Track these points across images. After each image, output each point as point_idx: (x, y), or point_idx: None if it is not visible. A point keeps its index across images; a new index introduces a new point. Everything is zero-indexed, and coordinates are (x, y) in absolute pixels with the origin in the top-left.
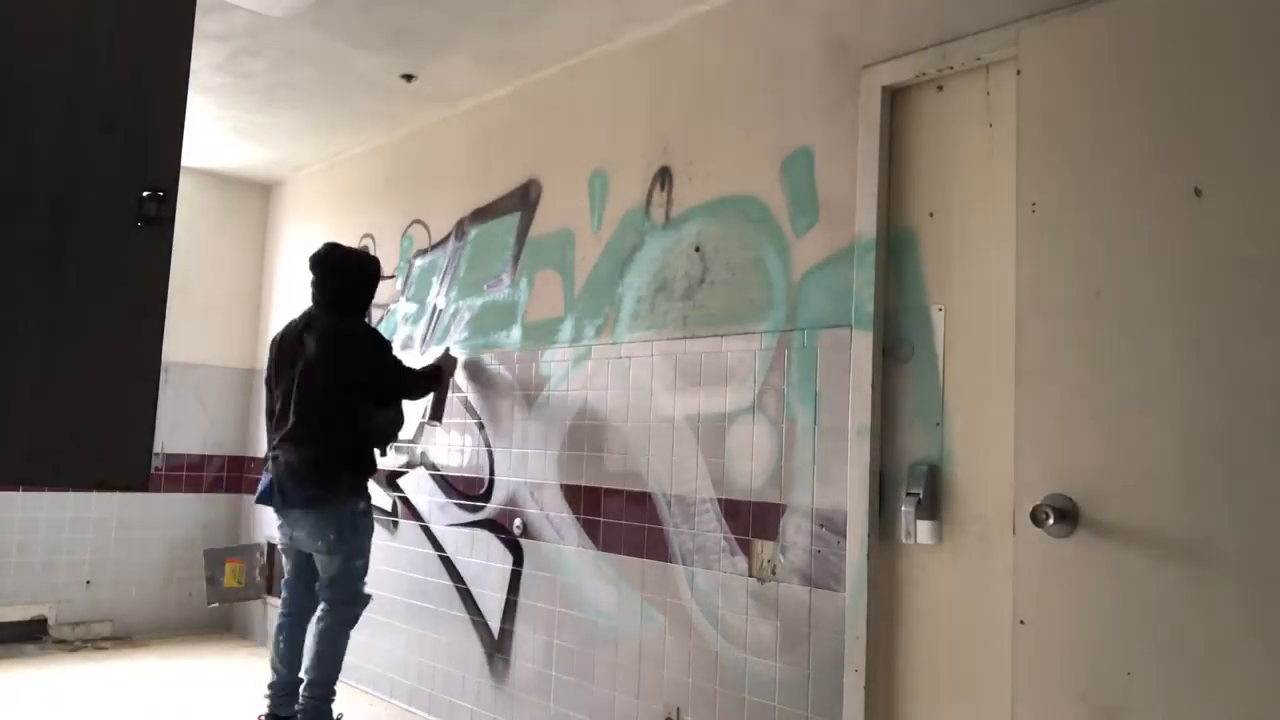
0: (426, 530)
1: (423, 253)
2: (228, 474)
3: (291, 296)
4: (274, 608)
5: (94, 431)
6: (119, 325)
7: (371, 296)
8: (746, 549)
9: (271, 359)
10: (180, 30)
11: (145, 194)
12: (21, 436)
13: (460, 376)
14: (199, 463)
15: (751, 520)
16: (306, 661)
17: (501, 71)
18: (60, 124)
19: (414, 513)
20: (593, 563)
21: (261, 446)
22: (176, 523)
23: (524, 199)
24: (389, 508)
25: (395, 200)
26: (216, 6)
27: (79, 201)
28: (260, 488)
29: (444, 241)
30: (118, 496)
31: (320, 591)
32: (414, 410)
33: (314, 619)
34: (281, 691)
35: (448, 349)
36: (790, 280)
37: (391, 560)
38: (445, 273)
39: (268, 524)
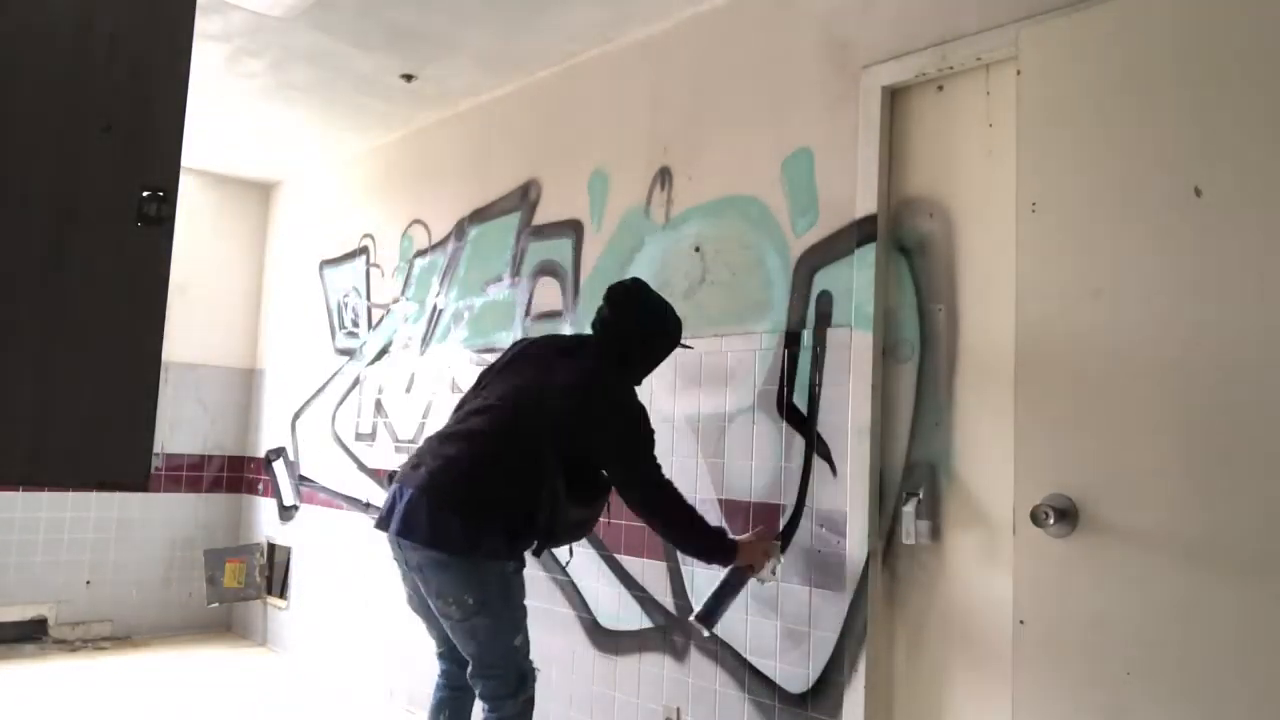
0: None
1: (423, 253)
2: (228, 474)
3: (292, 296)
4: (274, 608)
5: (94, 431)
6: (119, 325)
7: (657, 360)
8: None
9: (506, 355)
10: (180, 30)
11: (145, 194)
12: (21, 436)
13: None
14: (199, 463)
15: (751, 520)
16: None
17: (501, 71)
18: (60, 124)
19: None
20: (593, 563)
21: (262, 446)
22: (176, 523)
23: (524, 199)
24: None
25: (395, 200)
26: (216, 6)
27: (79, 201)
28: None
29: (444, 241)
30: (118, 496)
31: (473, 684)
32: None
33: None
34: None
35: (776, 532)
36: (790, 280)
37: (392, 561)
38: (445, 273)
39: (268, 524)
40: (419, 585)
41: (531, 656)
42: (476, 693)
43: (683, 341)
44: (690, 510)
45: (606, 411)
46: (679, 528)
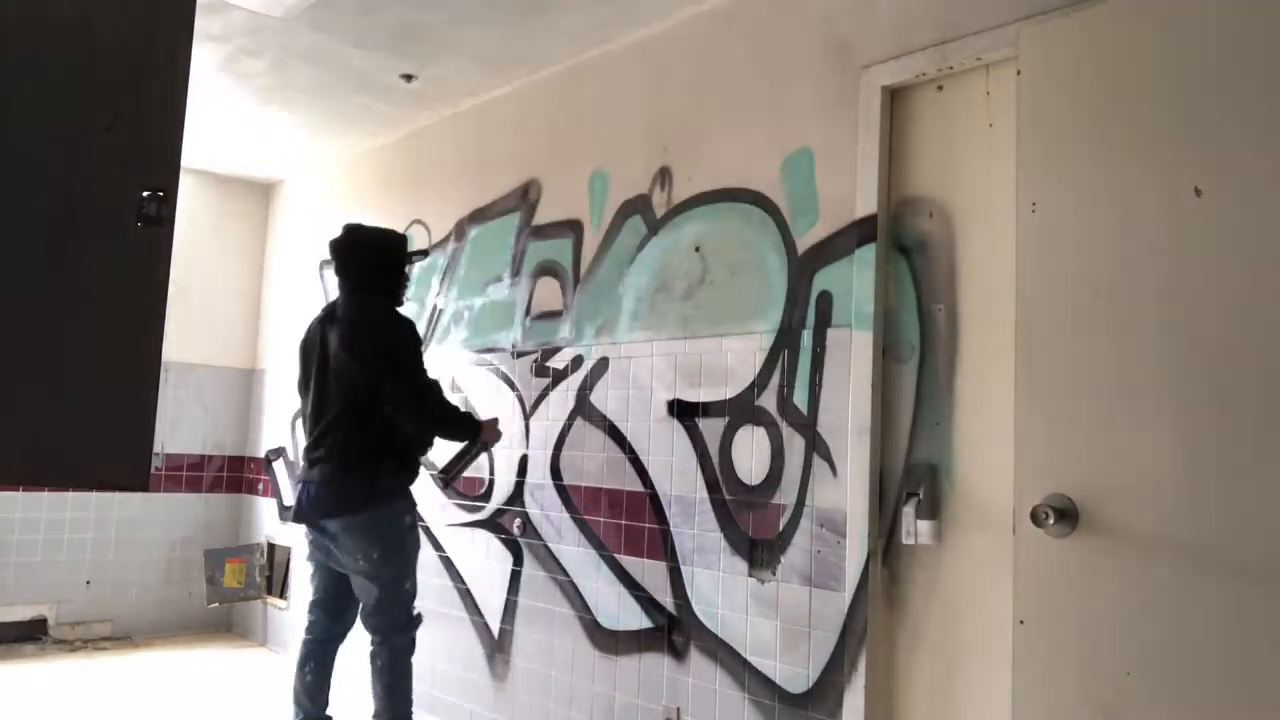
0: (426, 530)
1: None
2: (228, 474)
3: (291, 296)
4: (274, 608)
5: (94, 431)
6: (119, 325)
7: (403, 277)
8: (746, 549)
9: (300, 362)
10: (180, 30)
11: (145, 194)
12: (21, 436)
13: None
14: (199, 463)
15: (751, 520)
16: (375, 704)
17: (501, 71)
18: (60, 124)
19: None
20: (593, 563)
21: (262, 446)
22: (176, 523)
23: (524, 199)
24: None
25: (395, 200)
26: (216, 6)
27: (79, 201)
28: (293, 501)
29: (444, 241)
30: (118, 496)
31: (365, 621)
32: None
33: (368, 656)
34: None
35: (495, 419)
36: (790, 280)
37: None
38: (445, 273)
39: (268, 524)
40: (330, 547)
41: (418, 605)
42: (368, 631)
43: (411, 251)
44: (460, 415)
45: (377, 330)
46: (451, 422)
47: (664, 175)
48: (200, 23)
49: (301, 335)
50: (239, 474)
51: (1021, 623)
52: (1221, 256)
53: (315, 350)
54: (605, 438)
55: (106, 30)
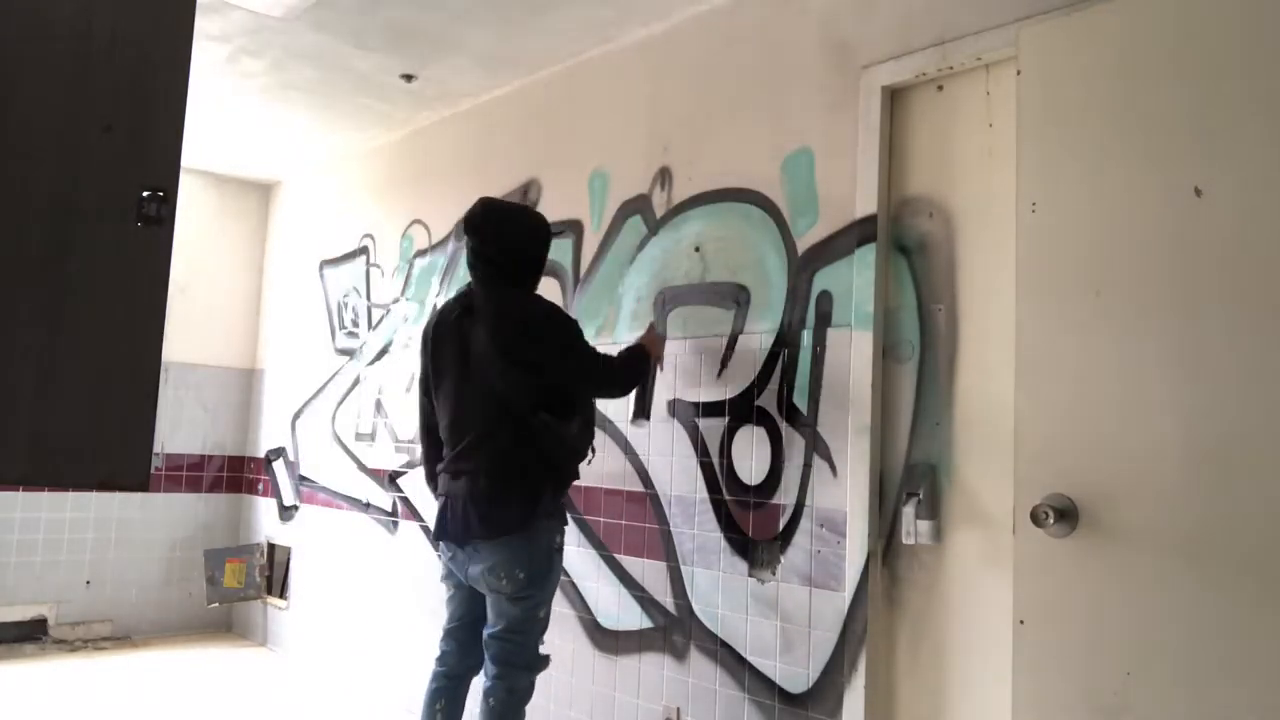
0: (426, 530)
1: (423, 253)
2: (228, 474)
3: (291, 296)
4: (274, 608)
5: (94, 431)
6: (119, 325)
7: (543, 264)
8: (746, 549)
9: (426, 356)
10: (180, 30)
11: (145, 194)
12: (21, 436)
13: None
14: (199, 463)
15: (751, 520)
16: None
17: (501, 71)
18: (60, 124)
19: (414, 513)
20: (593, 563)
21: (262, 446)
22: (176, 523)
23: (524, 199)
24: (389, 508)
25: (395, 200)
26: (216, 6)
27: (79, 201)
28: (435, 520)
29: (444, 241)
30: (118, 496)
31: (488, 646)
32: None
33: (482, 692)
34: None
35: (652, 323)
36: (790, 280)
37: (392, 561)
38: (445, 273)
39: (268, 524)
40: (468, 563)
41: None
42: (489, 658)
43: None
44: (616, 363)
45: (535, 329)
46: (635, 373)
47: (664, 175)
48: (200, 23)
49: (428, 327)
50: (239, 474)
51: (1021, 623)
52: (1221, 256)
53: (450, 347)
54: (605, 437)
55: (106, 30)
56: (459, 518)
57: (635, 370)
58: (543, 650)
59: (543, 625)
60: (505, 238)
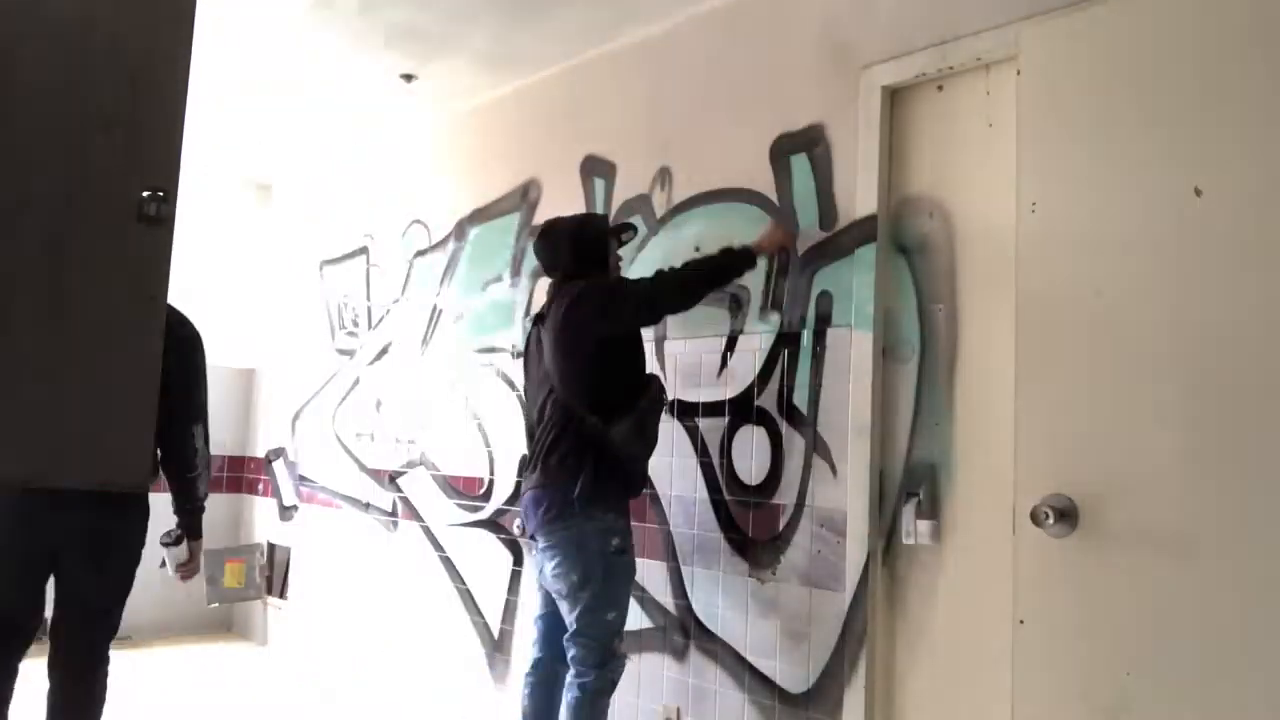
0: (426, 530)
1: (423, 253)
2: (228, 474)
3: (291, 296)
4: (274, 608)
5: (94, 431)
6: (119, 325)
7: (609, 257)
8: (746, 549)
9: (525, 371)
10: (180, 30)
11: (145, 194)
12: (21, 436)
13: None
14: None
15: (751, 520)
16: None
17: (501, 71)
18: (60, 124)
19: (414, 513)
20: None
21: (262, 446)
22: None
23: (524, 199)
24: (389, 508)
25: (395, 200)
26: (216, 6)
27: (79, 201)
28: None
29: (444, 241)
30: None
31: (565, 644)
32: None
33: (565, 686)
34: None
35: (776, 222)
36: (790, 280)
37: (391, 561)
38: (445, 273)
39: (268, 524)
40: (543, 564)
41: (625, 649)
42: (569, 657)
43: (616, 226)
44: (695, 274)
45: (571, 319)
46: (695, 286)
47: (664, 175)
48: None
49: (526, 338)
50: (239, 474)
51: (1021, 623)
52: (1222, 256)
53: (533, 354)
54: None
55: (106, 30)
56: (523, 512)
57: (716, 268)
58: (618, 650)
59: (612, 626)
60: (550, 237)
